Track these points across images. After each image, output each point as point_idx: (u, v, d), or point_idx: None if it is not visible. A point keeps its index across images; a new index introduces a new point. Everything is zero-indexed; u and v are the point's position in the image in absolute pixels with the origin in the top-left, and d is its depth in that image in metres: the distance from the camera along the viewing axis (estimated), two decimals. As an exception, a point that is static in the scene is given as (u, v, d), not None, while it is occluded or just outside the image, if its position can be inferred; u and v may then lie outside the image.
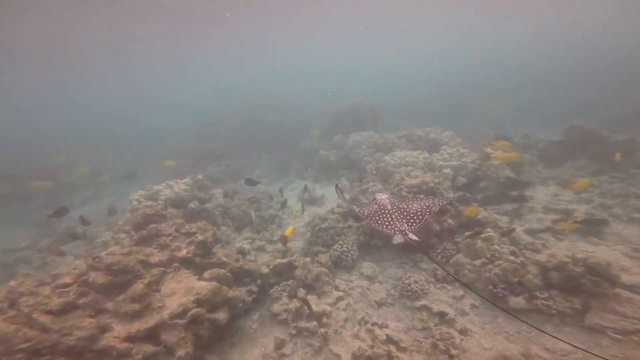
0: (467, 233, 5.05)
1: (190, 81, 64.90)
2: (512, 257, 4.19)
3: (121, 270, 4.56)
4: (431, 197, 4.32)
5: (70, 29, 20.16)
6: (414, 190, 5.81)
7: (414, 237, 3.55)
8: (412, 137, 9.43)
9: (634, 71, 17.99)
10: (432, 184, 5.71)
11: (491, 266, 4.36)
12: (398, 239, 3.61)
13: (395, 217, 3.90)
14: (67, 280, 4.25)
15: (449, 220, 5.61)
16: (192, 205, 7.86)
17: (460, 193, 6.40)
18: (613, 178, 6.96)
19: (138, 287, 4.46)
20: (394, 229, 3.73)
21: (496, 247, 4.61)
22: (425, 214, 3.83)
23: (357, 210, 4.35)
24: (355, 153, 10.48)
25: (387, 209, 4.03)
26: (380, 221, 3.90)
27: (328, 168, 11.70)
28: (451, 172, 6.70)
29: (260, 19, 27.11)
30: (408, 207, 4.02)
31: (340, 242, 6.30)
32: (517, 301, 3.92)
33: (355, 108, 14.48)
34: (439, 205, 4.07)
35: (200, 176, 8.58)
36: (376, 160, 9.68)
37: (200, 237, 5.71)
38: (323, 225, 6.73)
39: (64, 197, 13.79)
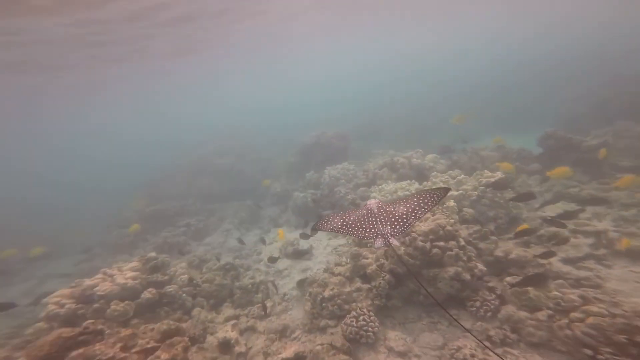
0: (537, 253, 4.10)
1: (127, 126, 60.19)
2: (595, 308, 3.33)
3: None
4: (417, 197, 3.62)
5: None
6: (430, 237, 4.87)
7: (395, 243, 3.31)
8: (395, 165, 8.81)
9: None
10: (449, 227, 4.85)
11: (565, 320, 3.44)
12: (379, 242, 3.34)
13: (380, 219, 3.60)
14: None
15: (480, 266, 4.72)
16: (147, 295, 5.92)
17: (477, 227, 5.66)
18: (604, 185, 6.93)
19: None
20: (375, 233, 3.46)
21: (557, 293, 3.76)
22: (410, 217, 3.47)
23: (339, 223, 3.86)
24: (335, 191, 9.49)
25: (373, 213, 3.71)
26: (364, 226, 3.61)
27: (306, 211, 10.46)
28: (455, 205, 6.02)
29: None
30: (394, 210, 3.67)
31: (354, 313, 4.99)
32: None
33: (323, 139, 13.68)
34: (426, 207, 3.50)
35: (152, 254, 6.70)
36: (361, 197, 8.79)
37: (165, 356, 3.96)
38: (326, 294, 5.38)
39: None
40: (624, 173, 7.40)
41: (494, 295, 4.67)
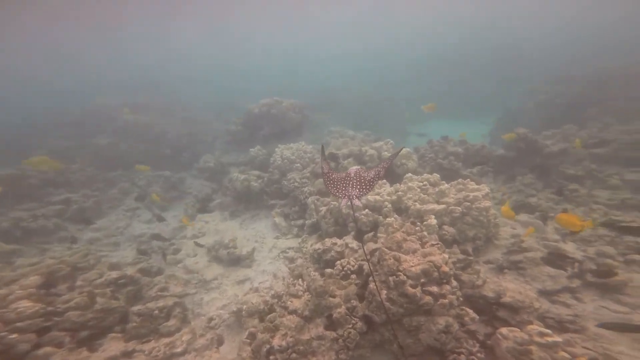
0: None
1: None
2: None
3: None
4: (384, 161, 3.95)
5: None
6: (422, 280, 3.71)
7: (358, 203, 3.57)
8: (362, 156, 7.40)
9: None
10: (446, 268, 3.75)
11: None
12: (344, 203, 3.62)
13: (352, 184, 3.75)
14: None
15: (471, 314, 3.81)
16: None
17: (459, 254, 4.77)
18: (554, 196, 6.83)
19: None
20: (344, 193, 3.68)
21: (565, 354, 3.03)
22: (375, 180, 3.75)
23: (324, 170, 4.04)
24: (288, 179, 7.66)
25: (350, 177, 3.86)
26: (338, 186, 3.83)
27: (248, 195, 8.44)
28: (436, 223, 5.01)
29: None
30: (367, 175, 3.85)
31: (314, 374, 3.64)
32: None
33: (276, 109, 11.13)
34: (388, 165, 3.90)
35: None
36: (319, 190, 7.22)
37: None
38: (276, 344, 3.85)
39: None
40: (569, 182, 7.50)
41: (477, 346, 3.91)
